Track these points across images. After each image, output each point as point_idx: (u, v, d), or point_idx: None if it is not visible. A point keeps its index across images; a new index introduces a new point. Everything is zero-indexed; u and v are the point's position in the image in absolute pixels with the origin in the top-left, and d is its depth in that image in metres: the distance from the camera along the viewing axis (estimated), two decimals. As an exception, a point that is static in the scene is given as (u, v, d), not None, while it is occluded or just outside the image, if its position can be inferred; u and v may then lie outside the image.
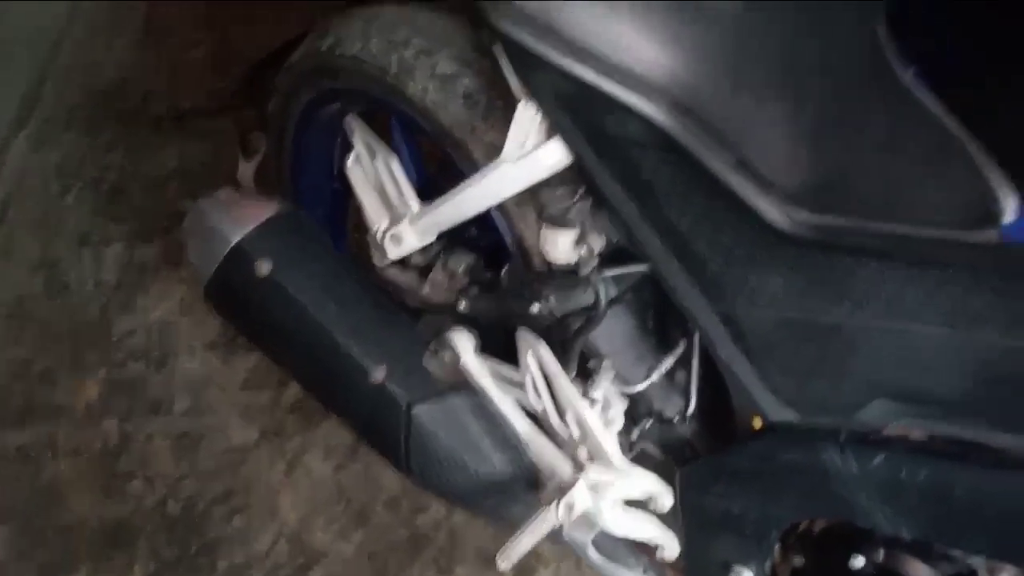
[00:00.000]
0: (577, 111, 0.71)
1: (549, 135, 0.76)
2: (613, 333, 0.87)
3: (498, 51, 0.74)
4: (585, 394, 0.87)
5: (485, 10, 0.70)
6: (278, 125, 1.11)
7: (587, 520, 0.89)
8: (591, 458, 0.88)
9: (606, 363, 0.87)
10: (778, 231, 0.64)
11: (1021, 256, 0.56)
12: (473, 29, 0.85)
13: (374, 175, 0.96)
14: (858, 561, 0.76)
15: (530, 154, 0.78)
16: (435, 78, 0.89)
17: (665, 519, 0.90)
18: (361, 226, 1.00)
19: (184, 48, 1.87)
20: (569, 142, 0.74)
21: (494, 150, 0.81)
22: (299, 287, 0.93)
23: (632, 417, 0.91)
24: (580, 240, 0.80)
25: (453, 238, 0.98)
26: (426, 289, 0.99)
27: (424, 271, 1.00)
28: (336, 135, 1.06)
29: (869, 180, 0.61)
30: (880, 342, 0.64)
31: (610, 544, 0.93)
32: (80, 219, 1.65)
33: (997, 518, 0.66)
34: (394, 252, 0.95)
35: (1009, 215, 0.55)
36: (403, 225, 0.93)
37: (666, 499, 0.87)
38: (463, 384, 0.95)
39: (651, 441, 0.93)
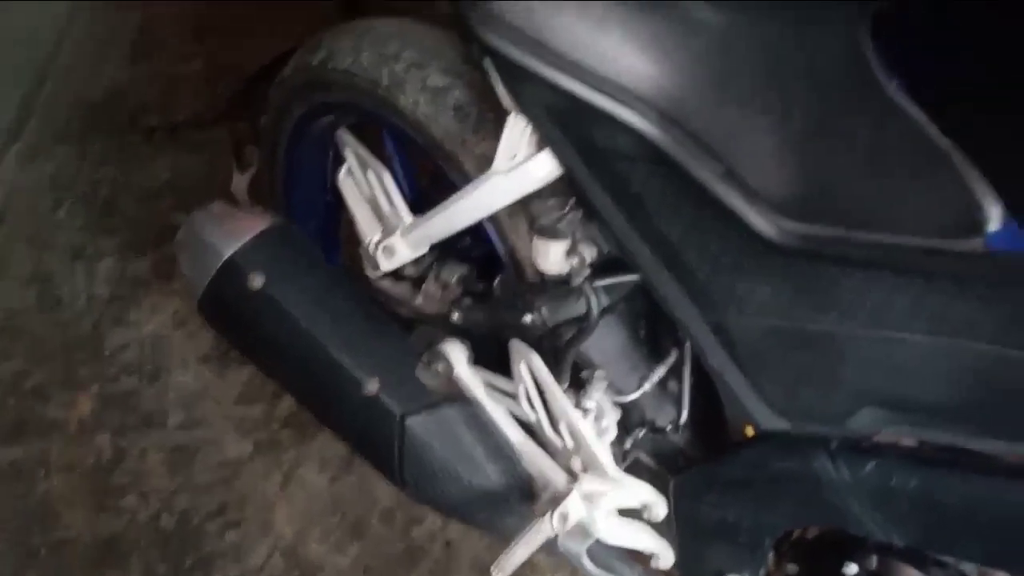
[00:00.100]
0: (566, 123, 0.72)
1: (539, 147, 0.77)
2: (605, 343, 0.88)
3: (488, 65, 0.74)
4: (578, 404, 0.87)
5: (474, 24, 0.70)
6: (270, 139, 1.12)
7: (581, 530, 0.89)
8: (585, 468, 0.88)
9: (599, 373, 0.88)
10: (766, 241, 0.64)
11: (1006, 264, 0.56)
12: (463, 42, 0.85)
13: (366, 188, 0.97)
14: (851, 568, 0.76)
15: (521, 166, 0.79)
16: (426, 91, 0.90)
17: (659, 528, 0.90)
18: (354, 238, 1.01)
19: (177, 62, 1.88)
20: (559, 154, 0.74)
21: (485, 162, 0.82)
22: (292, 300, 0.93)
23: (625, 427, 0.91)
24: (571, 251, 0.81)
25: (446, 249, 0.99)
26: (419, 300, 1.00)
27: (417, 282, 1.00)
28: (328, 148, 1.07)
29: (855, 190, 0.61)
30: (868, 350, 0.65)
31: (605, 554, 0.93)
32: (72, 233, 1.65)
33: (987, 524, 0.66)
34: (386, 264, 0.95)
35: (993, 224, 0.56)
36: (395, 237, 0.93)
37: (660, 508, 0.87)
38: (456, 395, 0.95)
39: (644, 450, 0.93)
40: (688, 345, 0.83)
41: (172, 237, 1.05)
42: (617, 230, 0.74)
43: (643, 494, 0.87)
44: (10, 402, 1.46)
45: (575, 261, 0.81)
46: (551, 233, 0.80)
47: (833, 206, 0.62)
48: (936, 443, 0.69)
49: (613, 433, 0.89)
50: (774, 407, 0.73)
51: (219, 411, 1.42)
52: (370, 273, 0.99)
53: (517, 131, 0.78)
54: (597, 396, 0.87)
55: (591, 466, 0.88)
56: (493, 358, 0.94)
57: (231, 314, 0.98)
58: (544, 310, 0.86)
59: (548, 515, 0.87)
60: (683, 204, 0.68)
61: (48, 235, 1.66)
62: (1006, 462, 0.66)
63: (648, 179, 0.69)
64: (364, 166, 0.97)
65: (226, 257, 0.94)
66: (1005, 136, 0.57)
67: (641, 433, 0.91)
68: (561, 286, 0.83)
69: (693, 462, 0.88)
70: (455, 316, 0.94)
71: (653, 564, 0.92)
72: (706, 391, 0.80)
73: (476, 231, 0.92)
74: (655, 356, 0.89)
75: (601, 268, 0.82)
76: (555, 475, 0.91)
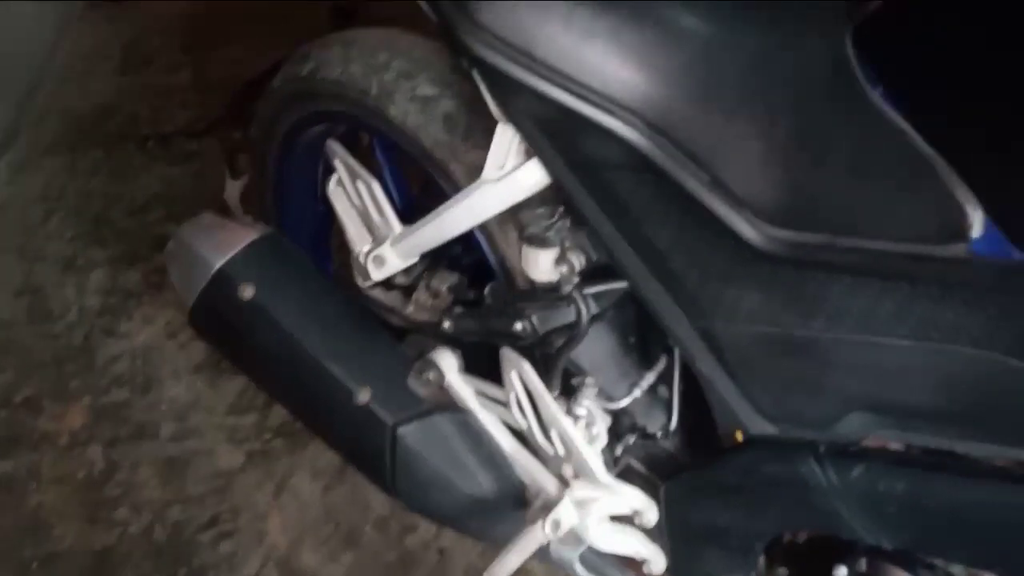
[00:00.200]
0: (554, 133, 0.72)
1: (528, 156, 0.77)
2: (595, 350, 0.88)
3: (476, 75, 0.75)
4: (569, 411, 0.87)
5: (461, 35, 0.71)
6: (261, 149, 1.12)
7: (574, 537, 0.89)
8: (576, 475, 0.88)
9: (589, 380, 0.88)
10: (753, 248, 0.65)
11: (989, 269, 0.57)
12: (451, 54, 0.86)
13: (356, 198, 0.97)
14: (841, 571, 0.77)
15: (509, 175, 0.79)
16: (415, 100, 0.91)
17: (651, 534, 0.90)
18: (346, 247, 1.01)
19: (166, 73, 1.88)
20: (547, 163, 0.75)
21: (475, 171, 0.82)
22: (282, 310, 0.93)
23: (616, 433, 0.91)
24: (560, 259, 0.81)
25: (437, 258, 0.99)
26: (410, 309, 1.00)
27: (408, 291, 1.01)
28: (318, 158, 1.07)
29: (839, 197, 0.62)
30: (855, 355, 0.66)
31: (597, 560, 0.93)
32: (63, 244, 1.65)
33: (974, 526, 0.67)
34: (377, 274, 0.96)
35: (976, 230, 0.56)
36: (385, 247, 0.94)
37: (651, 514, 0.87)
38: (448, 404, 0.95)
39: (635, 456, 0.94)
40: (677, 351, 0.83)
41: (163, 248, 1.05)
42: (605, 238, 0.74)
43: (634, 500, 0.87)
44: (1, 415, 1.45)
45: (564, 269, 0.81)
46: (540, 241, 0.81)
47: (818, 213, 0.63)
48: (923, 447, 0.70)
49: (604, 440, 0.89)
50: (762, 412, 0.73)
51: (211, 422, 1.42)
52: (360, 283, 0.99)
53: (506, 140, 0.78)
54: (588, 403, 0.88)
55: (582, 473, 0.88)
56: (484, 366, 0.94)
57: (222, 325, 0.98)
58: (534, 318, 0.86)
59: (540, 522, 0.87)
60: (670, 212, 0.69)
61: (38, 247, 1.65)
62: (992, 465, 0.67)
63: (635, 188, 0.70)
64: (354, 176, 0.97)
65: (216, 268, 0.94)
66: (986, 143, 0.57)
67: (632, 439, 0.91)
68: (551, 294, 0.83)
69: (684, 468, 0.89)
70: (446, 324, 0.94)
71: (645, 570, 0.92)
72: (696, 397, 0.81)
73: (467, 239, 0.93)
74: (645, 362, 0.90)
75: (590, 275, 0.83)
76: (547, 482, 0.91)
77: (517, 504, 0.94)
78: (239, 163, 1.29)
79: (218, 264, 0.95)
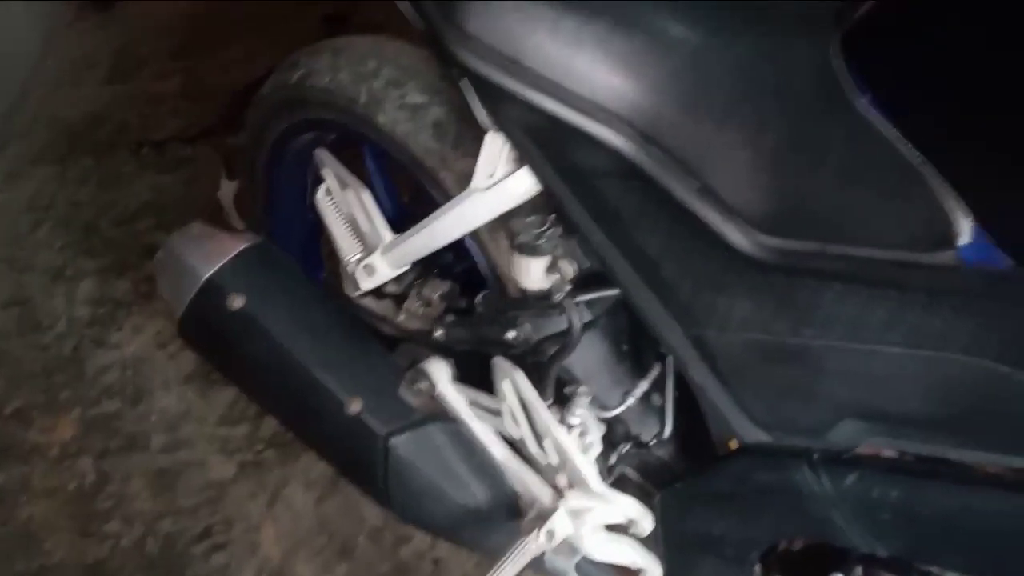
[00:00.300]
0: (544, 141, 0.72)
1: (518, 164, 0.77)
2: (588, 358, 0.88)
3: (465, 85, 0.74)
4: (562, 420, 0.87)
5: (450, 45, 0.71)
6: (250, 157, 1.11)
7: (569, 546, 0.88)
8: (570, 484, 0.88)
9: (582, 388, 0.88)
10: (743, 256, 0.65)
11: (977, 276, 0.57)
12: (439, 63, 0.85)
13: (345, 207, 0.97)
14: (836, 579, 0.76)
15: (500, 183, 0.79)
16: (405, 108, 0.90)
17: (646, 543, 0.89)
18: (336, 255, 1.00)
19: (155, 81, 1.87)
20: (537, 171, 0.75)
21: (465, 179, 0.82)
22: (272, 320, 0.92)
23: (610, 442, 0.91)
24: (552, 267, 0.81)
25: (428, 266, 0.99)
26: (402, 317, 0.99)
27: (399, 299, 1.00)
28: (308, 165, 1.06)
29: (828, 205, 0.62)
30: (846, 363, 0.65)
31: (592, 570, 0.93)
32: (52, 254, 1.64)
33: (968, 533, 0.67)
34: (366, 283, 0.95)
35: (964, 237, 0.56)
36: (375, 256, 0.93)
37: (646, 523, 0.87)
38: (440, 413, 0.94)
39: (630, 465, 0.93)
40: (670, 359, 0.83)
41: (153, 257, 1.05)
42: (596, 246, 0.74)
43: (629, 509, 0.87)
44: (-10, 428, 1.44)
45: (556, 277, 0.81)
46: (531, 250, 0.80)
47: (808, 221, 0.63)
48: (916, 454, 0.69)
49: (598, 448, 0.89)
50: (756, 420, 0.73)
51: (203, 432, 1.41)
52: (349, 292, 0.99)
53: (495, 148, 0.78)
54: (581, 412, 0.87)
55: (577, 482, 0.87)
56: (476, 375, 0.94)
57: (211, 335, 0.97)
58: (527, 326, 0.86)
59: (535, 532, 0.86)
60: (661, 220, 0.69)
61: (27, 257, 1.64)
62: (985, 472, 0.67)
63: (626, 196, 0.69)
64: (343, 185, 0.97)
65: (205, 278, 0.94)
66: (974, 150, 0.57)
67: (626, 448, 0.91)
68: (543, 302, 0.83)
69: (678, 476, 0.88)
70: (438, 333, 0.93)
71: (641, 579, 0.92)
72: (690, 404, 0.80)
73: (458, 246, 0.92)
74: (638, 370, 0.89)
75: (582, 283, 0.82)
76: (541, 492, 0.91)
77: (511, 514, 0.93)
78: (237, 163, 1.29)
79: (207, 274, 0.94)
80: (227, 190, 1.26)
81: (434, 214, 0.86)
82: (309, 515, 1.32)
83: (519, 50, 0.68)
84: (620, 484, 0.91)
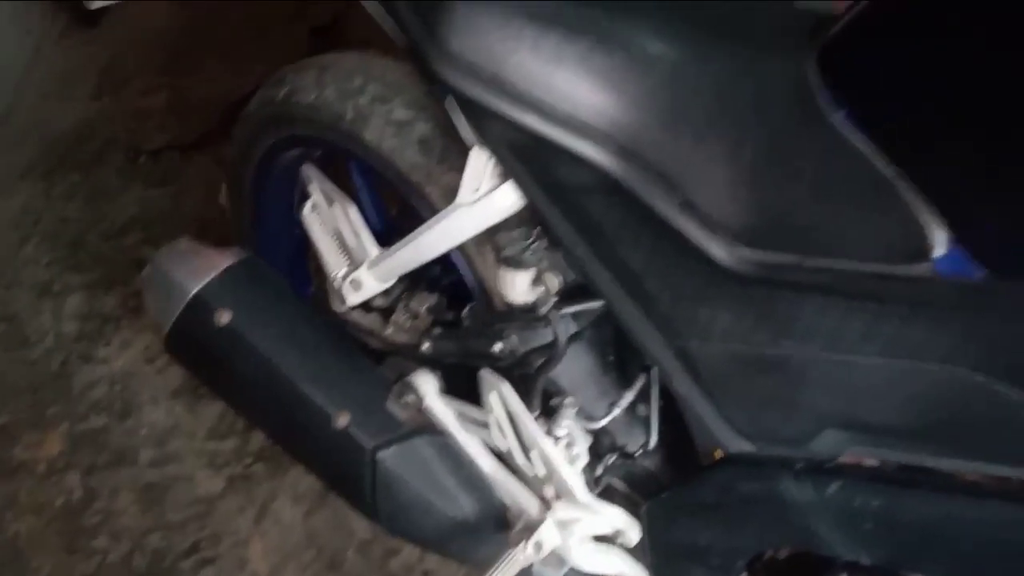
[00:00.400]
0: (527, 157, 0.73)
1: (503, 178, 0.78)
2: (574, 369, 0.88)
3: (449, 102, 0.75)
4: (549, 432, 0.88)
5: (432, 63, 0.71)
6: (237, 173, 1.12)
7: (556, 557, 0.89)
8: (558, 495, 0.88)
9: (568, 400, 0.88)
10: (724, 268, 0.66)
11: (953, 288, 0.58)
12: (422, 81, 0.86)
13: (331, 222, 0.97)
14: (821, 588, 0.77)
15: (485, 198, 0.79)
16: (391, 124, 0.91)
17: (634, 553, 0.90)
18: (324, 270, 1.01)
19: (142, 96, 1.87)
20: (521, 186, 0.75)
21: (451, 193, 0.83)
22: (259, 335, 0.93)
23: (597, 452, 0.91)
24: (537, 280, 0.82)
25: (416, 279, 0.99)
26: (389, 331, 1.00)
27: (387, 313, 1.01)
28: (295, 181, 1.07)
29: (806, 218, 0.63)
30: (826, 373, 0.66)
31: (580, 581, 0.93)
32: (39, 269, 1.63)
33: (949, 541, 0.68)
34: (353, 298, 0.95)
35: (939, 249, 0.57)
36: (361, 270, 0.93)
37: (633, 533, 0.87)
38: (428, 426, 0.95)
39: (616, 476, 0.94)
40: (655, 370, 0.84)
41: (140, 272, 1.05)
42: (580, 260, 0.75)
43: (616, 520, 0.87)
44: (-24, 444, 1.43)
45: (541, 290, 0.82)
46: (516, 263, 0.81)
47: (786, 234, 0.63)
48: (897, 463, 0.70)
49: (584, 460, 0.89)
50: (739, 430, 0.74)
51: (191, 447, 1.40)
52: (336, 307, 0.99)
53: (480, 164, 0.78)
54: (568, 423, 0.88)
55: (564, 493, 0.88)
56: (464, 388, 0.94)
57: (198, 351, 0.97)
58: (513, 338, 0.86)
59: (523, 543, 0.87)
60: (643, 234, 0.70)
61: (14, 272, 1.63)
62: (964, 480, 0.68)
63: (608, 210, 0.70)
64: (329, 200, 0.97)
65: (192, 294, 0.94)
66: (947, 164, 0.58)
67: (612, 458, 0.91)
68: (529, 314, 0.84)
69: (665, 486, 0.89)
70: (425, 346, 0.94)
71: (629, 589, 0.92)
72: (675, 415, 0.81)
73: (445, 260, 0.93)
74: (624, 381, 0.90)
75: (568, 295, 0.83)
76: (528, 503, 0.91)
77: (499, 526, 0.93)
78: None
79: (194, 290, 0.94)
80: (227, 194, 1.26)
81: (419, 229, 0.86)
82: (297, 529, 1.31)
83: (501, 68, 0.69)
84: (607, 495, 0.92)
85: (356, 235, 0.95)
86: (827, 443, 0.70)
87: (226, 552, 1.30)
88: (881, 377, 0.64)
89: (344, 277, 0.95)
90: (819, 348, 0.65)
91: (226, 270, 0.95)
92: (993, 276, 0.57)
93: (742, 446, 0.74)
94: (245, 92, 1.12)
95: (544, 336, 0.85)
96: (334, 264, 0.97)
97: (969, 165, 0.58)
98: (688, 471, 0.84)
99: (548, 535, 0.87)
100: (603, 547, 0.90)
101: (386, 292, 0.97)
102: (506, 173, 0.76)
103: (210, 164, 1.68)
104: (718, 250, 0.66)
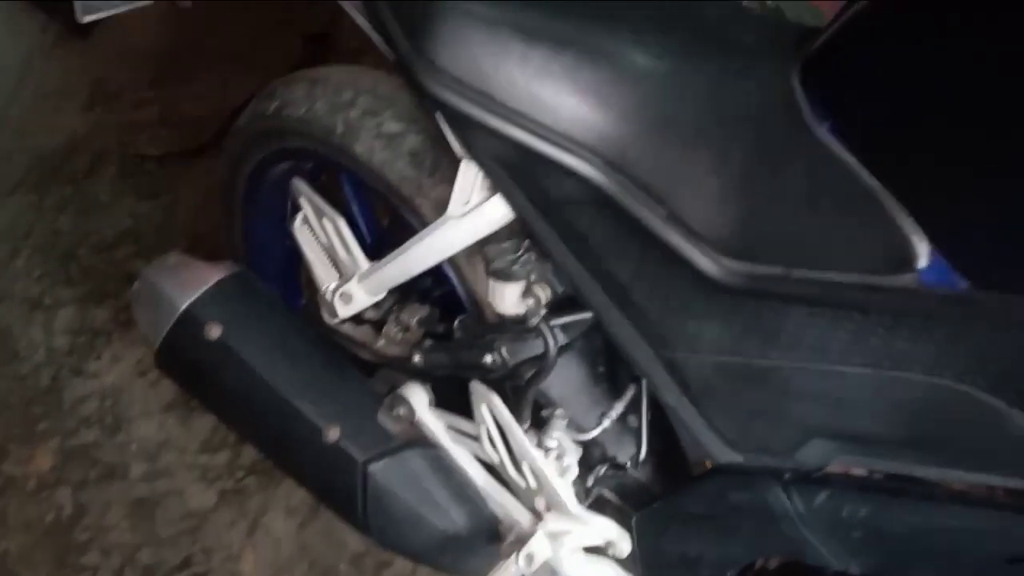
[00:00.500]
0: (516, 170, 0.73)
1: (492, 191, 0.78)
2: (564, 381, 0.88)
3: (438, 115, 0.76)
4: (540, 443, 0.88)
5: (420, 77, 0.72)
6: (228, 186, 1.12)
7: (548, 569, 0.89)
8: (549, 507, 0.88)
9: (559, 411, 0.88)
10: (711, 280, 0.66)
11: (936, 299, 0.59)
12: (412, 94, 0.87)
13: (322, 236, 0.97)
14: (811, 597, 0.77)
15: (474, 210, 0.80)
16: (381, 137, 0.91)
17: (625, 564, 0.90)
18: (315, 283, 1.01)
19: (133, 109, 1.88)
20: (510, 199, 0.76)
21: (441, 206, 0.83)
22: (250, 349, 0.93)
23: (587, 464, 0.91)
24: (527, 292, 0.82)
25: (407, 291, 0.99)
26: (380, 343, 1.00)
27: (378, 325, 1.01)
28: (286, 194, 1.07)
29: (791, 230, 0.63)
30: (813, 384, 0.67)
31: (572, 592, 0.93)
32: (30, 283, 1.63)
33: (936, 549, 0.68)
34: (344, 311, 0.96)
35: (923, 260, 0.58)
36: (352, 283, 0.94)
37: (624, 545, 0.87)
38: (419, 439, 0.95)
39: (607, 487, 0.94)
40: (645, 381, 0.84)
41: (132, 285, 1.05)
42: (569, 272, 0.75)
43: (607, 531, 0.88)
44: (-34, 460, 1.42)
45: (531, 302, 0.82)
46: (506, 275, 0.81)
47: (772, 246, 0.64)
48: (884, 472, 0.71)
49: (575, 471, 0.89)
50: (728, 441, 0.74)
51: (183, 461, 1.40)
52: (327, 320, 0.99)
53: (470, 177, 0.79)
54: (558, 435, 0.88)
55: (555, 505, 0.88)
56: (455, 401, 0.94)
57: (189, 365, 0.97)
58: (503, 350, 0.86)
59: (514, 556, 0.87)
60: (630, 246, 0.70)
61: (5, 286, 1.63)
62: (951, 489, 0.68)
63: (596, 223, 0.71)
64: (320, 214, 0.97)
65: (182, 308, 0.94)
66: (929, 176, 0.59)
67: (603, 470, 0.91)
68: (519, 326, 0.84)
69: (655, 497, 0.89)
70: (416, 358, 0.94)
71: (621, 600, 0.92)
72: (665, 425, 0.81)
73: (436, 271, 0.93)
74: (614, 392, 0.90)
75: (558, 307, 0.83)
76: (520, 515, 0.91)
77: (491, 538, 0.93)
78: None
79: (184, 304, 0.94)
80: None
81: (410, 241, 0.87)
82: (290, 542, 1.31)
83: (489, 82, 0.69)
84: (598, 506, 0.92)
85: (346, 248, 0.95)
86: (815, 453, 0.70)
87: (218, 566, 1.30)
88: (867, 387, 0.64)
89: (335, 290, 0.95)
90: (805, 359, 0.65)
91: (217, 284, 0.95)
92: (974, 287, 0.58)
93: (730, 456, 0.75)
94: (237, 105, 1.12)
95: (534, 348, 0.85)
96: (325, 277, 0.97)
97: (950, 178, 0.58)
98: (678, 482, 0.84)
99: (539, 547, 0.87)
100: (594, 558, 0.90)
101: (377, 305, 0.97)
102: (495, 186, 0.76)
103: (202, 177, 1.68)
104: (705, 262, 0.66)
